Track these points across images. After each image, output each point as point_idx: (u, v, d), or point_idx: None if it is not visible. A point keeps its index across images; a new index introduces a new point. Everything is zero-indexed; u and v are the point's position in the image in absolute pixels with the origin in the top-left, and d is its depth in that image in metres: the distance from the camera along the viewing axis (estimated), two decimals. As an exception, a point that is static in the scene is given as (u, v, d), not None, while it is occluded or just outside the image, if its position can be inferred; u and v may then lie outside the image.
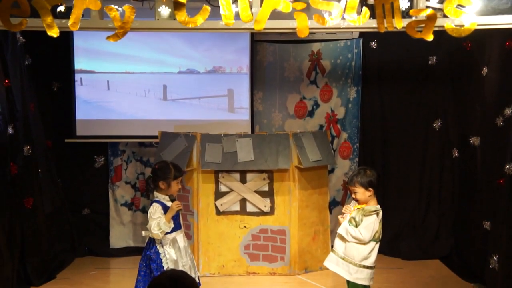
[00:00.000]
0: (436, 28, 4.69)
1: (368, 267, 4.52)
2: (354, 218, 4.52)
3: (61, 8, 4.61)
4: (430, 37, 4.67)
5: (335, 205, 7.14)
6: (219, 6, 4.59)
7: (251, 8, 4.61)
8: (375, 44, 6.98)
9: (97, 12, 4.68)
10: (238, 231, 6.20)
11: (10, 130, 5.44)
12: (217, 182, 6.17)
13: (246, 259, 6.23)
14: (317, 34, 6.85)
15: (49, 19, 4.43)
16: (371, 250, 4.51)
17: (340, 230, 4.57)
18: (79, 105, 6.82)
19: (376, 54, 7.01)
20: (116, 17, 4.48)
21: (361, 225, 4.48)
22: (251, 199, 6.17)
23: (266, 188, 6.19)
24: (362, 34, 7.00)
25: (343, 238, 4.56)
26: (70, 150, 6.92)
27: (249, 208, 6.19)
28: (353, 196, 4.61)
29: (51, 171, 6.55)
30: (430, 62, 6.78)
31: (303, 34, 4.67)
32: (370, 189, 4.53)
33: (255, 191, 6.17)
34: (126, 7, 4.49)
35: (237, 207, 6.20)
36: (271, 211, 6.18)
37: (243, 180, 6.17)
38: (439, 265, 6.59)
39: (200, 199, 6.16)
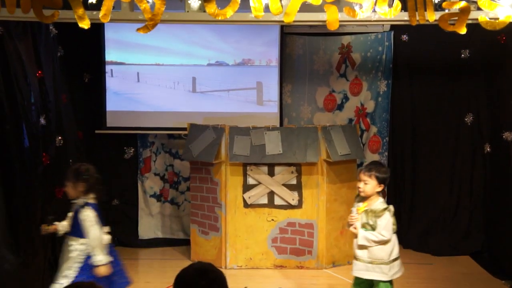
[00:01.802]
0: (470, 21, 4.61)
1: (396, 259, 4.46)
2: (367, 223, 4.39)
3: (92, 0, 4.65)
4: (463, 30, 4.59)
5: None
6: (248, -2, 4.58)
7: (281, 0, 4.59)
8: (406, 37, 6.89)
9: (128, 4, 4.71)
10: (265, 224, 6.20)
11: (42, 121, 5.52)
12: (245, 175, 6.17)
13: (273, 252, 6.23)
14: (347, 26, 6.78)
15: (80, 10, 4.47)
16: (394, 244, 4.44)
17: (361, 241, 4.39)
18: (109, 96, 6.88)
19: (407, 47, 6.91)
20: (147, 9, 4.50)
21: (379, 227, 4.34)
22: (279, 192, 6.15)
23: (294, 182, 6.17)
24: (393, 27, 6.91)
25: (363, 246, 4.43)
26: (100, 141, 6.99)
27: (277, 201, 6.19)
28: (360, 185, 4.42)
29: (81, 162, 6.61)
30: (462, 55, 6.66)
31: (333, 27, 4.63)
32: (382, 185, 4.41)
33: (283, 184, 6.16)
34: (156, -1, 4.51)
35: (265, 200, 6.20)
36: (299, 205, 6.17)
37: (271, 173, 6.16)
38: (469, 261, 6.50)
39: (228, 191, 6.17)
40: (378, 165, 4.60)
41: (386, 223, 4.35)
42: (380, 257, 4.39)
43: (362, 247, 4.42)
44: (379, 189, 4.42)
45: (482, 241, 6.61)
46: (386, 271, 4.39)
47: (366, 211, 4.41)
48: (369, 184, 4.40)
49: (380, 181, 4.39)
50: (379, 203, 4.43)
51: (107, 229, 4.47)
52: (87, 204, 4.37)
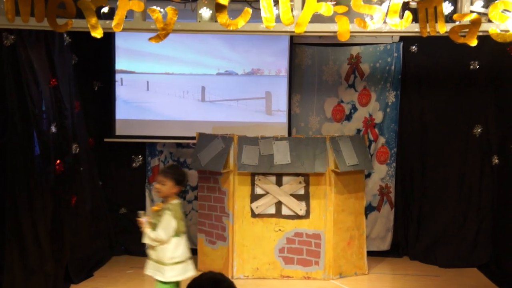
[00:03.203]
0: (480, 33, 4.62)
1: (180, 262, 4.55)
2: (151, 222, 4.53)
3: (105, 9, 4.69)
4: (474, 42, 4.59)
5: (371, 210, 7.07)
6: (260, 9, 4.60)
7: (292, 11, 4.61)
8: (416, 48, 6.91)
9: (140, 14, 4.74)
10: (273, 234, 6.20)
11: (53, 129, 5.54)
12: (253, 185, 6.18)
13: (280, 262, 6.22)
14: (356, 37, 6.79)
15: (93, 20, 4.50)
16: (177, 246, 4.53)
17: (144, 239, 4.57)
18: (119, 105, 6.91)
19: (416, 58, 6.93)
20: (159, 18, 4.53)
21: (158, 226, 4.48)
22: (287, 202, 6.16)
23: (302, 192, 6.17)
24: (402, 38, 6.93)
25: (152, 246, 4.57)
26: (109, 149, 7.02)
27: (285, 211, 6.18)
28: (157, 186, 4.57)
29: (92, 170, 6.66)
30: (471, 67, 6.67)
31: (344, 37, 4.65)
32: (178, 186, 4.58)
33: (291, 194, 6.16)
34: (169, 8, 4.53)
35: (272, 210, 6.20)
36: (307, 215, 6.16)
37: (279, 183, 6.17)
38: (477, 274, 6.48)
39: (236, 201, 6.18)
40: (176, 167, 4.89)
41: (165, 223, 4.48)
42: (161, 257, 4.52)
43: (151, 246, 4.57)
44: (176, 190, 4.57)
45: (490, 254, 6.58)
46: (163, 272, 4.51)
47: (155, 211, 4.59)
48: (165, 185, 4.56)
49: (176, 182, 4.56)
50: (169, 203, 4.56)
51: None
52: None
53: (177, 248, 4.55)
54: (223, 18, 4.55)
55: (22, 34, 5.03)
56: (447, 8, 4.65)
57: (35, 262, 5.17)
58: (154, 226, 4.52)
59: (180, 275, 4.58)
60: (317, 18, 4.66)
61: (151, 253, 4.60)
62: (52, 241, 5.36)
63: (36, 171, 5.24)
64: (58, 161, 5.53)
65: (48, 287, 5.30)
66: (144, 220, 4.53)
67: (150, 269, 4.62)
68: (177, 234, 4.54)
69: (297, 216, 6.17)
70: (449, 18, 4.67)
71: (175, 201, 4.59)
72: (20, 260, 5.08)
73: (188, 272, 4.60)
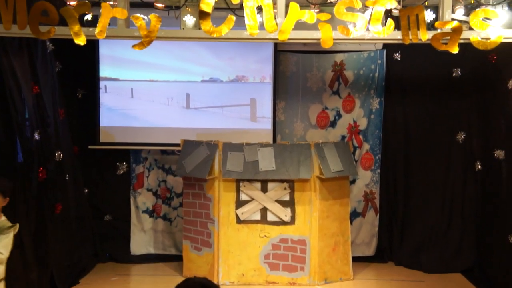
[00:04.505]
0: (462, 41, 4.68)
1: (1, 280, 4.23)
2: None
3: (88, 17, 4.70)
4: (455, 50, 4.66)
5: (356, 216, 7.10)
6: (243, 16, 4.63)
7: (275, 18, 4.65)
8: (399, 56, 6.96)
9: (124, 21, 4.76)
10: (258, 240, 6.21)
11: (36, 136, 5.51)
12: (238, 191, 6.19)
13: (266, 268, 6.22)
14: (340, 45, 6.82)
15: (76, 27, 4.51)
16: (4, 263, 4.21)
17: None
18: (103, 112, 6.88)
19: (399, 65, 6.98)
20: (142, 26, 4.55)
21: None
22: (272, 209, 6.17)
23: (287, 198, 6.19)
24: (385, 45, 6.98)
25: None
26: (93, 157, 6.98)
27: (270, 217, 6.20)
28: None
29: (77, 177, 6.62)
30: (454, 74, 6.73)
31: (327, 44, 4.69)
32: (7, 198, 4.21)
33: (276, 201, 6.17)
34: (152, 16, 4.56)
35: (257, 216, 6.21)
36: (292, 221, 6.18)
37: (264, 189, 6.18)
38: (461, 279, 6.52)
39: (221, 207, 6.18)
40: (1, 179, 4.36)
41: (7, 241, 4.17)
42: None
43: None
44: (5, 203, 4.23)
45: (474, 259, 6.63)
46: None
47: None
48: None
49: (3, 194, 4.20)
50: (3, 220, 4.24)
51: None
52: None
53: (4, 265, 4.21)
54: (207, 25, 4.57)
55: (5, 42, 5.01)
56: (429, 16, 4.71)
57: (19, 269, 5.13)
58: None
59: None
60: (300, 25, 4.70)
61: None
62: (36, 248, 5.32)
63: (19, 178, 5.21)
64: (41, 169, 5.50)
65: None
66: None
67: None
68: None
69: (282, 222, 6.18)
70: (431, 26, 4.73)
71: (4, 218, 4.23)
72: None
73: None
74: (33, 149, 5.45)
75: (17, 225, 4.25)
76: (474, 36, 4.62)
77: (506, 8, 5.01)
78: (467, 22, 4.66)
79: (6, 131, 5.09)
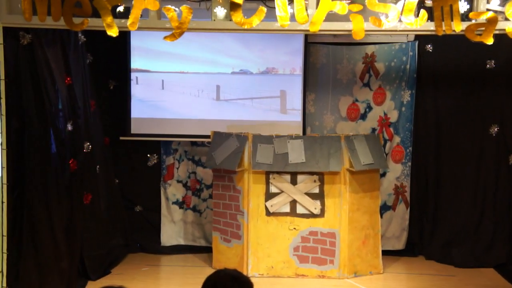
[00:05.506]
0: (497, 32, 4.59)
1: None
2: None
3: (120, 8, 4.73)
4: (490, 41, 4.57)
5: (386, 209, 7.05)
6: (274, 7, 4.61)
7: (306, 9, 4.62)
8: (431, 47, 6.86)
9: (155, 12, 4.78)
10: (287, 232, 6.20)
11: (69, 127, 5.59)
12: (267, 183, 6.18)
13: (295, 261, 6.22)
14: (371, 36, 6.77)
15: (109, 19, 4.55)
16: None
17: None
18: (134, 103, 6.94)
19: (431, 57, 6.89)
20: (174, 17, 4.56)
21: None
22: (301, 201, 6.16)
23: (316, 190, 6.16)
24: (417, 37, 6.89)
25: None
26: (124, 148, 7.06)
27: (299, 210, 6.18)
28: None
29: (108, 168, 6.70)
30: (488, 66, 6.62)
31: (358, 36, 4.65)
32: None
33: (306, 193, 6.16)
34: (184, 7, 4.57)
35: (287, 209, 6.20)
36: (321, 214, 6.16)
37: (293, 182, 6.17)
38: (493, 274, 6.42)
39: (250, 199, 6.19)
40: None
41: None
42: None
43: None
44: None
45: (507, 253, 6.53)
46: None
47: None
48: None
49: None
50: None
51: None
52: None
53: None
54: (238, 16, 4.57)
55: (39, 33, 5.08)
56: (463, 6, 4.63)
57: (51, 259, 5.23)
58: None
59: None
60: (331, 16, 4.66)
61: None
62: (68, 238, 5.41)
63: (52, 169, 5.29)
64: (72, 159, 5.57)
65: (63, 283, 5.35)
66: None
67: None
68: None
69: (311, 215, 6.17)
70: (465, 17, 4.65)
71: None
72: (35, 256, 5.14)
73: None
74: (66, 140, 5.53)
75: None
76: (510, 27, 4.53)
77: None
78: (503, 13, 4.56)
79: (40, 122, 5.17)
